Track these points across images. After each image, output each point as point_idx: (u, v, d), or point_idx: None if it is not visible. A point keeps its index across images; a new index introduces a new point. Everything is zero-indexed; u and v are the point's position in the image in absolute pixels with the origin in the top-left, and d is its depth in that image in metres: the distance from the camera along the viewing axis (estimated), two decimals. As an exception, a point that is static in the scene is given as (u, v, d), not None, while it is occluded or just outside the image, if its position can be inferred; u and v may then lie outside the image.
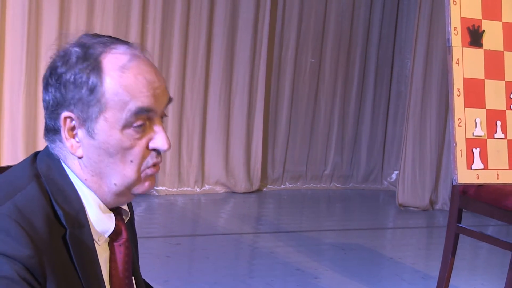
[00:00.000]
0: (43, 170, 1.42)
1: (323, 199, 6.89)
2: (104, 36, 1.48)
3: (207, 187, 6.53)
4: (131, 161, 1.42)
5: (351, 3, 7.04)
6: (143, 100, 1.41)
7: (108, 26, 5.86)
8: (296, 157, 7.04)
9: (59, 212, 1.37)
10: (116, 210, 1.50)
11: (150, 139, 1.44)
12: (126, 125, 1.40)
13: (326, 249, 5.16)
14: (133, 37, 5.95)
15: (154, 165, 1.46)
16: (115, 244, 1.49)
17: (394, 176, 7.35)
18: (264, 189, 6.86)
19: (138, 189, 1.46)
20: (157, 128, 1.45)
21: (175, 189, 6.32)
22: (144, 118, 1.42)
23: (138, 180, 1.45)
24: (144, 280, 1.69)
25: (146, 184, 1.47)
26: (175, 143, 6.27)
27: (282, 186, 7.01)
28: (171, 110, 6.20)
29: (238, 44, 6.52)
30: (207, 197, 6.39)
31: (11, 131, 5.58)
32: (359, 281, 4.40)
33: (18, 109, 5.56)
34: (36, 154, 1.48)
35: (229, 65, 6.51)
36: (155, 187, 6.13)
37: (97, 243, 1.45)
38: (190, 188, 6.41)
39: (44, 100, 1.44)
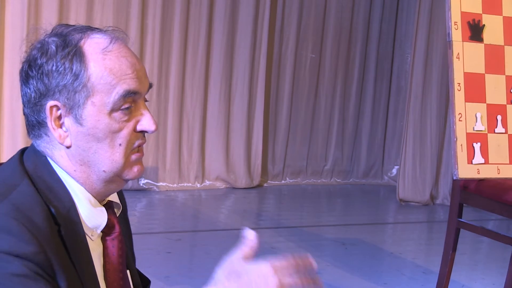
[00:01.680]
0: (30, 169, 1.41)
1: (323, 195, 6.89)
2: (76, 25, 1.47)
3: (207, 182, 6.53)
4: (120, 144, 1.42)
5: (351, -2, 7.04)
6: (129, 82, 1.41)
7: (107, 22, 5.84)
8: (296, 152, 7.03)
9: (52, 210, 1.36)
10: (107, 204, 1.49)
11: (137, 122, 1.43)
12: (114, 108, 1.40)
13: (327, 244, 5.16)
14: (133, 33, 5.95)
15: (139, 148, 1.45)
16: (108, 238, 1.48)
17: (394, 171, 7.35)
18: (265, 185, 6.86)
19: (128, 174, 1.45)
20: (143, 110, 1.44)
21: (175, 185, 6.32)
22: (130, 101, 1.41)
23: (127, 164, 1.44)
24: (139, 272, 1.67)
25: (135, 169, 1.46)
26: (176, 138, 6.27)
27: (283, 181, 7.01)
28: (171, 106, 6.20)
29: (238, 39, 6.51)
30: (208, 193, 6.39)
31: (11, 127, 5.58)
32: (360, 276, 4.41)
33: (18, 105, 5.55)
34: (22, 151, 1.47)
35: (229, 61, 6.50)
36: (156, 183, 6.13)
37: (90, 239, 1.43)
38: (190, 184, 6.41)
39: (24, 95, 1.44)
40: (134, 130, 1.43)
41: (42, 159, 1.43)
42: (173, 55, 6.21)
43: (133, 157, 1.45)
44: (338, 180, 7.24)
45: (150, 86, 1.48)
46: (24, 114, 1.47)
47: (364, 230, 5.61)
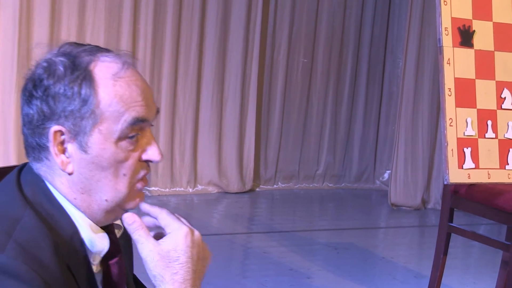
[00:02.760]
0: (29, 196, 1.34)
1: (315, 199, 6.90)
2: (85, 44, 1.39)
3: (199, 187, 6.53)
4: (124, 174, 1.35)
5: (343, 3, 7.05)
6: (138, 110, 1.35)
7: (99, 26, 5.85)
8: (288, 157, 7.04)
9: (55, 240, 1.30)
10: (107, 227, 1.43)
11: (143, 151, 1.38)
12: (121, 137, 1.34)
13: (319, 248, 5.17)
14: (125, 37, 5.95)
15: (143, 178, 1.40)
16: (110, 263, 1.43)
17: (386, 175, 7.37)
18: (257, 189, 6.87)
19: (130, 204, 1.40)
20: (150, 139, 1.39)
21: (167, 190, 6.32)
22: (137, 129, 1.36)
23: (130, 194, 1.38)
24: (137, 280, 1.67)
25: (138, 199, 1.40)
26: (168, 143, 6.27)
27: (275, 186, 7.02)
28: (163, 110, 6.19)
29: (230, 44, 6.52)
30: (200, 197, 6.39)
31: (3, 132, 5.57)
32: (352, 281, 4.42)
33: (10, 110, 5.54)
34: (19, 172, 1.40)
35: (221, 65, 6.51)
36: (148, 188, 6.13)
37: (93, 264, 1.39)
38: (182, 189, 6.41)
39: (26, 115, 1.35)
40: (139, 159, 1.37)
41: (40, 185, 1.36)
42: (165, 60, 6.21)
43: (138, 186, 1.39)
44: (330, 185, 7.26)
45: (157, 111, 1.43)
46: (23, 133, 1.38)
47: (356, 234, 5.62)
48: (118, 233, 1.48)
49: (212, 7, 6.37)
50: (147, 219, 1.41)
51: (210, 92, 6.48)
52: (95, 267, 1.40)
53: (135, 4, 6.01)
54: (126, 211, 1.41)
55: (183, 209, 6.03)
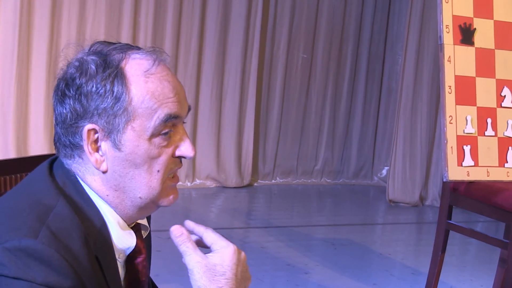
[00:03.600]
0: (61, 186, 1.35)
1: (313, 195, 6.90)
2: (116, 43, 1.41)
3: (198, 181, 6.54)
4: (158, 171, 1.37)
5: (343, -1, 7.06)
6: (170, 106, 1.36)
7: (100, 19, 5.85)
8: (287, 152, 7.05)
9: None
10: (135, 227, 1.45)
11: (176, 147, 1.39)
12: (154, 134, 1.35)
13: (316, 244, 5.17)
14: (125, 30, 5.95)
15: (174, 174, 1.42)
16: (134, 262, 1.44)
17: (384, 172, 7.38)
18: (255, 184, 6.88)
19: (164, 201, 1.42)
20: (183, 135, 1.40)
21: (165, 183, 6.31)
22: (170, 125, 1.37)
23: (163, 191, 1.40)
24: (155, 286, 1.67)
25: (171, 197, 1.43)
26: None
27: (273, 181, 7.03)
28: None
29: (230, 39, 6.52)
30: (198, 192, 6.39)
31: (2, 124, 5.56)
32: (349, 276, 4.42)
33: (9, 102, 5.55)
34: (50, 164, 1.41)
35: (221, 60, 6.51)
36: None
37: (118, 261, 1.40)
38: (181, 183, 6.41)
39: (59, 114, 1.36)
40: (172, 155, 1.39)
41: (71, 178, 1.37)
42: (165, 53, 6.20)
43: (170, 183, 1.41)
44: (328, 180, 7.26)
45: (189, 109, 1.44)
46: (56, 132, 1.39)
47: (353, 230, 5.63)
48: (144, 234, 1.50)
49: (212, 2, 6.37)
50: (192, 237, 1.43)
51: (210, 87, 6.48)
52: (120, 265, 1.41)
53: (136, -2, 6.01)
54: (159, 207, 1.43)
55: (181, 203, 6.04)
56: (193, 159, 5.96)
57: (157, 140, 1.35)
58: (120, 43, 1.41)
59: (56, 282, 1.21)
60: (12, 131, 5.55)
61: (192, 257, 1.37)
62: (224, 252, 1.38)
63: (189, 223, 1.44)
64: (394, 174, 6.60)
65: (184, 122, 1.42)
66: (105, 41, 1.41)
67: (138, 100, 1.34)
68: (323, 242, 5.20)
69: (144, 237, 1.49)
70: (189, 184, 6.46)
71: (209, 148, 6.54)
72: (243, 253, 1.42)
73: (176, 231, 1.39)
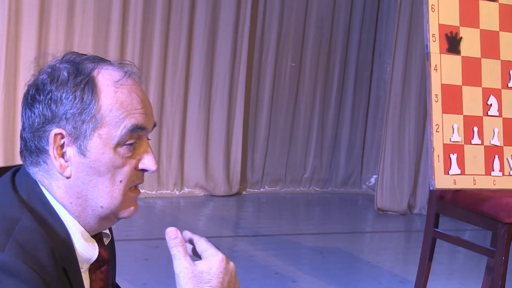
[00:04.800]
0: (25, 199, 1.36)
1: (302, 203, 6.91)
2: (88, 54, 1.45)
3: (186, 190, 6.53)
4: (120, 181, 1.39)
5: (331, 8, 7.07)
6: (138, 117, 1.39)
7: (88, 28, 5.84)
8: (275, 160, 7.05)
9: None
10: (97, 236, 1.46)
11: (139, 160, 1.41)
12: (120, 143, 1.37)
13: (305, 252, 5.18)
14: (113, 39, 5.95)
15: (136, 187, 1.44)
16: (97, 271, 1.45)
17: (373, 180, 7.39)
18: (244, 193, 6.87)
19: (124, 213, 1.43)
20: (146, 149, 1.42)
21: (154, 192, 6.31)
22: (136, 137, 1.39)
23: (124, 202, 1.41)
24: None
25: (132, 208, 1.44)
26: (155, 145, 6.25)
27: (261, 189, 7.02)
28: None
29: (218, 47, 6.52)
30: (186, 200, 6.38)
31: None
32: (337, 285, 4.42)
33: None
34: (12, 176, 1.41)
35: (209, 68, 6.51)
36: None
37: (82, 270, 1.41)
38: (169, 191, 6.40)
39: (27, 119, 1.38)
40: (135, 168, 1.41)
41: (36, 190, 1.38)
42: (153, 62, 6.21)
43: (131, 195, 1.43)
44: (316, 189, 7.27)
45: (154, 125, 1.46)
46: (22, 138, 1.41)
47: (342, 238, 5.63)
48: (106, 241, 1.51)
49: (200, 10, 6.38)
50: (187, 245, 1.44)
51: (198, 95, 6.48)
52: (83, 274, 1.41)
53: (124, 7, 6.00)
54: (119, 219, 1.44)
55: (169, 211, 6.03)
56: (181, 167, 5.97)
57: (122, 150, 1.38)
58: (94, 55, 1.45)
59: None
60: (0, 139, 5.53)
61: (180, 262, 1.37)
62: (212, 259, 1.39)
63: (186, 233, 1.46)
64: (383, 183, 6.61)
65: (148, 139, 1.45)
66: (77, 52, 1.44)
67: (107, 109, 1.37)
68: (312, 250, 5.20)
69: (106, 244, 1.50)
70: (177, 192, 6.45)
71: (197, 156, 6.53)
72: (232, 263, 1.42)
73: (171, 233, 1.40)
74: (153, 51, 6.20)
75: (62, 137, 1.36)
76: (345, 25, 7.18)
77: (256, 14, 6.74)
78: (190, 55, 6.41)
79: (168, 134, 6.38)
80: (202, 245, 1.42)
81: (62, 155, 1.37)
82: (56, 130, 1.36)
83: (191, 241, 1.45)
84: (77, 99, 1.35)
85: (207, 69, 6.49)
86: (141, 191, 5.97)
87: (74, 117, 1.35)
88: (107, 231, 1.52)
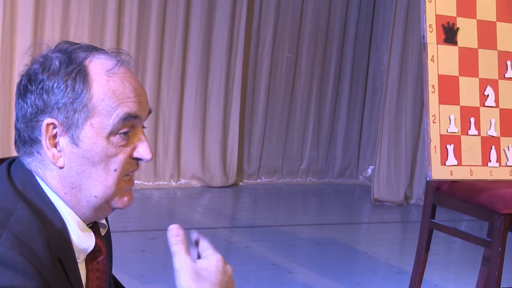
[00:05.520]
0: (20, 189, 1.35)
1: (298, 194, 6.91)
2: (81, 43, 1.43)
3: (183, 181, 6.52)
4: (115, 170, 1.38)
5: (328, -1, 7.06)
6: (130, 105, 1.38)
7: (84, 20, 5.82)
8: (272, 151, 7.05)
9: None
10: (93, 226, 1.45)
11: (134, 148, 1.40)
12: (113, 132, 1.36)
13: (302, 244, 5.18)
14: (109, 31, 5.93)
15: (129, 177, 1.43)
16: (94, 262, 1.45)
17: (369, 171, 7.39)
18: (240, 184, 6.87)
19: (117, 202, 1.42)
20: (141, 137, 1.41)
21: (150, 183, 6.30)
22: (129, 125, 1.38)
23: (118, 191, 1.40)
24: (117, 281, 1.68)
25: (125, 198, 1.43)
26: (151, 137, 6.25)
27: (258, 180, 7.02)
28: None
29: (214, 39, 6.51)
30: (183, 191, 6.38)
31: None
32: (334, 276, 4.43)
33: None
34: (8, 167, 1.41)
35: (206, 60, 6.50)
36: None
37: (78, 261, 1.40)
38: (166, 182, 6.40)
39: (20, 109, 1.38)
40: (130, 156, 1.40)
41: (31, 180, 1.38)
42: (149, 54, 6.20)
43: (125, 185, 1.42)
44: (313, 180, 7.27)
45: (149, 112, 1.45)
46: (16, 128, 1.40)
47: (338, 229, 5.64)
48: (102, 231, 1.50)
49: (197, 2, 6.36)
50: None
51: (194, 87, 6.47)
52: (80, 265, 1.41)
53: (120, -3, 5.98)
54: (114, 209, 1.44)
55: (166, 203, 6.03)
56: (178, 158, 5.94)
57: (115, 139, 1.37)
58: (87, 44, 1.43)
59: (21, 285, 1.21)
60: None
61: (181, 258, 1.37)
62: (210, 258, 1.39)
63: (193, 233, 1.46)
64: (379, 173, 6.62)
65: (144, 127, 1.44)
66: (70, 41, 1.43)
67: (99, 98, 1.35)
68: (308, 241, 5.20)
69: (103, 234, 1.50)
70: (174, 183, 6.45)
71: (194, 147, 6.53)
72: (229, 266, 1.42)
73: (173, 230, 1.40)
74: (149, 43, 6.19)
75: (55, 127, 1.35)
76: (342, 17, 7.16)
77: (253, 6, 6.73)
78: (186, 47, 6.39)
79: (165, 126, 6.37)
80: (204, 245, 1.43)
81: (55, 145, 1.36)
82: (48, 120, 1.35)
83: (197, 242, 1.45)
84: (68, 88, 1.34)
85: (204, 61, 6.48)
86: (138, 182, 5.99)
87: (65, 107, 1.34)
88: (104, 222, 1.51)
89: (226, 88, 6.61)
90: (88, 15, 5.83)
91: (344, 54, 7.25)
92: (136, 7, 6.06)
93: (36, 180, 1.38)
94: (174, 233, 1.39)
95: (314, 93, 7.14)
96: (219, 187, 6.60)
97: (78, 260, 1.40)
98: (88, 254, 1.44)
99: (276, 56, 6.92)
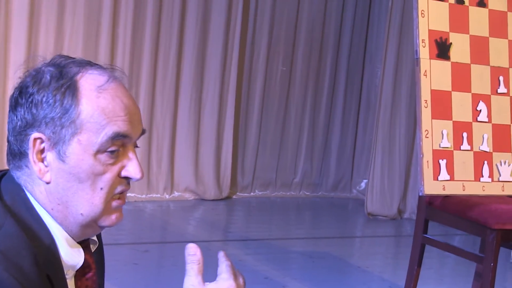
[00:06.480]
0: (9, 204, 1.33)
1: (292, 207, 6.90)
2: (77, 58, 1.41)
3: (176, 194, 6.51)
4: (101, 188, 1.35)
5: (322, 12, 7.08)
6: (120, 124, 1.35)
7: (78, 30, 5.82)
8: (265, 164, 7.04)
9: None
10: (83, 242, 1.43)
11: (122, 167, 1.37)
12: (100, 150, 1.33)
13: (295, 257, 5.17)
14: (103, 42, 5.93)
15: (121, 194, 1.40)
16: (83, 278, 1.42)
17: (363, 184, 7.39)
18: (234, 197, 6.86)
19: (105, 221, 1.39)
20: (131, 156, 1.38)
21: (144, 196, 6.29)
22: (119, 144, 1.35)
23: (106, 210, 1.37)
24: None
25: (114, 216, 1.40)
26: (145, 149, 6.24)
27: (252, 193, 7.01)
28: (141, 116, 6.15)
29: (209, 50, 6.52)
30: (176, 204, 6.37)
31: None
32: (327, 290, 4.42)
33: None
34: None
35: (200, 72, 6.50)
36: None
37: (67, 277, 1.38)
38: (159, 195, 6.38)
39: (10, 122, 1.37)
40: (119, 175, 1.37)
41: (21, 195, 1.36)
42: (143, 65, 6.19)
43: (114, 203, 1.39)
44: (307, 193, 7.26)
45: (143, 132, 1.43)
46: (7, 141, 1.39)
47: (332, 243, 5.63)
48: (93, 248, 1.48)
49: (191, 13, 6.37)
50: None
51: (188, 99, 6.47)
52: (68, 281, 1.39)
53: (114, 9, 5.98)
54: (102, 228, 1.41)
55: (159, 215, 6.01)
56: (171, 171, 5.91)
57: (102, 157, 1.34)
58: (82, 59, 1.41)
59: None
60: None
61: (190, 279, 1.34)
62: (221, 283, 1.36)
63: (221, 254, 1.42)
64: (373, 187, 6.62)
65: (137, 147, 1.42)
66: (67, 56, 1.41)
67: (88, 114, 1.33)
68: (301, 255, 5.19)
69: (93, 251, 1.47)
70: (167, 196, 6.44)
71: (187, 160, 6.52)
72: None
73: (190, 249, 1.36)
74: (143, 54, 6.19)
75: (42, 142, 1.34)
76: (336, 29, 7.18)
77: (247, 18, 6.74)
78: (180, 59, 6.40)
79: (158, 138, 6.36)
80: (221, 268, 1.39)
81: (42, 160, 1.34)
82: (35, 135, 1.33)
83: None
84: (57, 103, 1.33)
85: (198, 73, 6.48)
86: (131, 194, 5.97)
87: (53, 121, 1.33)
88: (95, 238, 1.49)
89: (220, 100, 6.61)
90: (82, 26, 5.83)
91: (338, 67, 7.26)
92: (130, 18, 6.07)
93: (25, 194, 1.36)
94: (191, 252, 1.36)
95: (308, 105, 7.15)
96: (213, 200, 6.58)
97: (67, 277, 1.38)
98: (77, 271, 1.41)
99: (270, 68, 6.92)
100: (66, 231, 1.38)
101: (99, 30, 5.94)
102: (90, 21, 5.88)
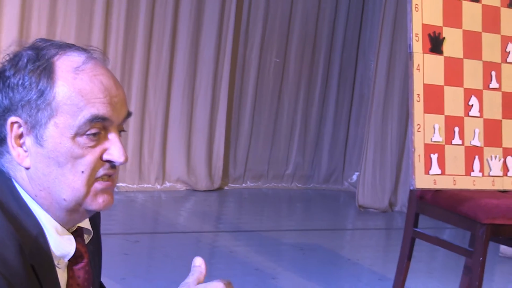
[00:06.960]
0: None
1: (284, 199, 6.91)
2: (57, 40, 1.38)
3: (167, 184, 6.51)
4: (82, 171, 1.31)
5: (317, 4, 7.08)
6: (98, 107, 1.30)
7: (71, 20, 5.80)
8: (258, 156, 7.05)
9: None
10: (76, 231, 1.40)
11: (104, 150, 1.33)
12: (79, 133, 1.29)
13: (285, 249, 5.18)
14: (96, 31, 5.91)
15: (109, 176, 1.35)
16: (74, 268, 1.39)
17: (354, 177, 7.40)
18: (225, 188, 6.86)
19: (92, 205, 1.34)
20: (113, 138, 1.34)
21: (135, 186, 6.28)
22: (99, 127, 1.31)
23: (89, 193, 1.33)
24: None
25: (100, 200, 1.35)
26: (137, 139, 6.24)
27: (244, 185, 7.02)
28: (133, 106, 6.16)
29: (202, 41, 6.51)
30: (168, 195, 6.37)
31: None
32: (317, 282, 4.43)
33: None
34: None
35: (193, 63, 6.49)
36: (116, 183, 6.09)
37: (58, 267, 1.35)
38: (150, 185, 6.38)
39: None
40: (100, 158, 1.33)
41: (7, 183, 1.33)
42: (136, 55, 6.18)
43: (98, 186, 1.34)
44: (298, 185, 7.27)
45: (129, 115, 1.38)
46: None
47: (323, 235, 5.64)
48: (87, 238, 1.45)
49: (185, 4, 6.36)
50: None
51: (181, 89, 6.46)
52: (60, 271, 1.37)
53: (108, -2, 5.97)
54: (90, 211, 1.37)
55: (150, 206, 6.01)
56: (163, 161, 5.88)
57: (81, 139, 1.30)
58: (64, 42, 1.38)
59: None
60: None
61: (186, 280, 1.31)
62: (210, 283, 1.29)
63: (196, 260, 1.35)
64: (364, 180, 6.63)
65: (123, 130, 1.38)
66: (47, 39, 1.38)
67: (64, 96, 1.29)
68: (292, 247, 5.20)
69: (87, 242, 1.45)
70: (159, 186, 6.44)
71: (179, 151, 6.52)
72: None
73: (196, 261, 1.32)
74: (136, 44, 6.18)
75: (20, 126, 1.30)
76: (330, 22, 7.18)
77: (241, 9, 6.73)
78: (174, 49, 6.39)
79: (151, 128, 6.36)
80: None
81: (21, 145, 1.31)
82: (12, 119, 1.30)
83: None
84: (32, 85, 1.29)
85: (191, 63, 6.47)
86: (122, 184, 5.94)
87: (29, 104, 1.29)
88: (89, 228, 1.45)
89: (213, 91, 6.60)
90: (75, 15, 5.81)
91: (331, 60, 7.27)
92: (124, 8, 6.05)
93: (12, 183, 1.33)
94: (197, 263, 1.32)
95: (301, 98, 7.16)
96: (204, 190, 6.59)
97: (58, 266, 1.35)
98: (69, 260, 1.39)
99: (263, 60, 6.92)
100: (54, 218, 1.34)
101: (92, 19, 5.92)
102: (83, 10, 5.86)
